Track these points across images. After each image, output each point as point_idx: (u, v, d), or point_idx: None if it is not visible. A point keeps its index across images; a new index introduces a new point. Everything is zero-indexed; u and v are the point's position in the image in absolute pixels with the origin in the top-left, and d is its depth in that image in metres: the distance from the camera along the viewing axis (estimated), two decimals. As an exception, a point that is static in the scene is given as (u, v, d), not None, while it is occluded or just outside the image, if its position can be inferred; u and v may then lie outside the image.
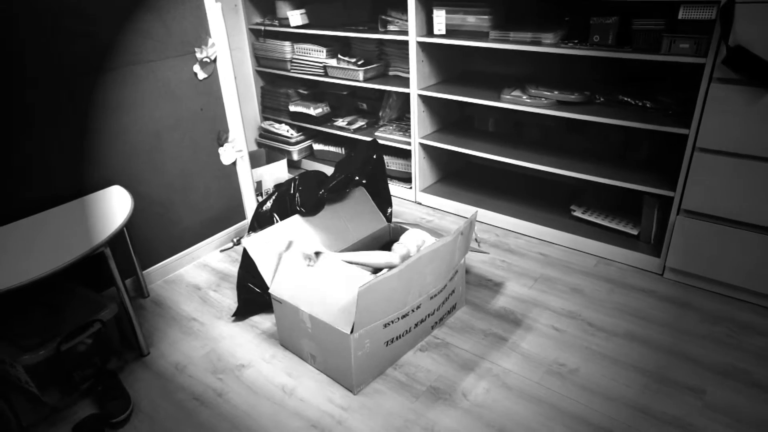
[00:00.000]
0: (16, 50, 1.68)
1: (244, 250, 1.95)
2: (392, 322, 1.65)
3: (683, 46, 1.84)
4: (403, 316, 1.69)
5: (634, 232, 2.31)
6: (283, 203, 2.04)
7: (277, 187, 2.07)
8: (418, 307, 1.74)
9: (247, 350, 1.87)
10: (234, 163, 2.50)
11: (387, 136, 2.93)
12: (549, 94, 2.31)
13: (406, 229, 2.09)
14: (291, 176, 2.22)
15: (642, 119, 2.04)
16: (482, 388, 1.65)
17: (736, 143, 1.79)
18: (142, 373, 1.78)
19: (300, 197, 2.03)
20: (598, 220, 2.41)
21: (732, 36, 1.67)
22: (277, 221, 2.01)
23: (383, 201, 2.28)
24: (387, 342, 1.68)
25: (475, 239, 1.93)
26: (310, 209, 2.02)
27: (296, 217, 2.00)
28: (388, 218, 2.28)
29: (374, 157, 2.22)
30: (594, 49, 2.06)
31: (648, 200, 2.20)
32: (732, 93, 1.74)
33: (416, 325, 1.78)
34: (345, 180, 2.09)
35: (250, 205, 2.61)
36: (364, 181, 2.17)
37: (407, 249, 1.92)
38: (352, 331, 1.53)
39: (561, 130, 2.60)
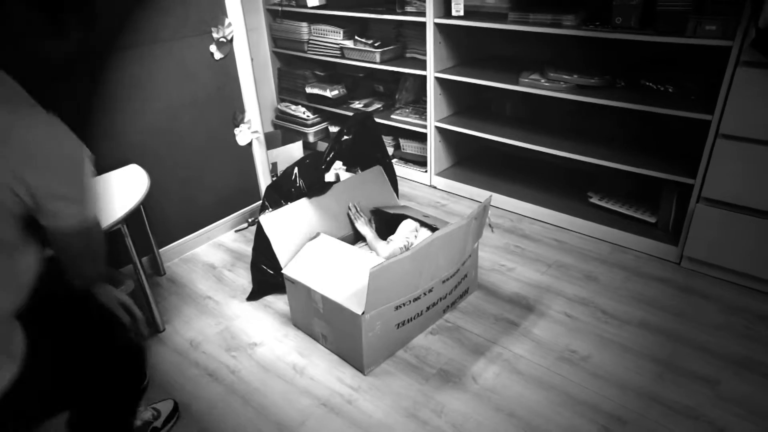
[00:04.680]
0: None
1: (257, 231, 1.97)
2: (404, 304, 1.66)
3: (710, 28, 1.78)
4: (415, 299, 1.69)
5: (652, 220, 2.27)
6: (288, 191, 2.03)
7: (284, 173, 2.07)
8: (430, 291, 1.74)
9: (259, 329, 1.89)
10: (250, 144, 2.51)
11: (403, 119, 2.91)
12: (568, 77, 2.26)
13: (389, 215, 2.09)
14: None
15: (663, 104, 1.99)
16: (492, 373, 1.65)
17: (761, 130, 1.74)
18: (157, 349, 1.82)
19: (304, 182, 2.03)
20: (615, 207, 2.37)
21: (762, 17, 1.61)
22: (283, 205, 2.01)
23: (384, 167, 2.26)
24: (398, 324, 1.69)
25: (489, 224, 1.91)
26: (315, 191, 2.02)
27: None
28: (393, 185, 2.27)
29: (362, 117, 2.21)
30: (616, 31, 2.01)
31: (667, 188, 2.16)
32: (759, 77, 1.68)
33: (428, 308, 1.78)
34: (333, 143, 2.09)
35: (265, 187, 2.62)
36: (350, 136, 2.16)
37: (392, 249, 1.90)
38: (363, 313, 1.54)
39: (579, 115, 2.55)
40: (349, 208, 2.07)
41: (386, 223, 2.10)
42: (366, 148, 2.23)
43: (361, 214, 2.07)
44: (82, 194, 0.86)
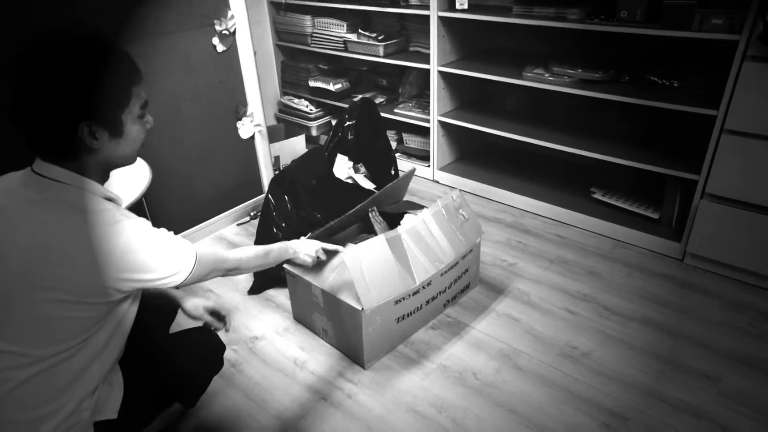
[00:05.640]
0: (38, 21, 1.69)
1: (259, 225, 1.97)
2: (403, 298, 1.65)
3: (716, 22, 1.76)
4: (414, 293, 1.69)
5: (655, 216, 2.25)
6: (292, 185, 2.02)
7: (287, 169, 2.06)
8: (429, 284, 1.73)
9: (261, 323, 1.89)
10: (252, 138, 2.50)
11: (406, 113, 2.89)
12: (572, 72, 2.24)
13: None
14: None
15: (668, 99, 1.97)
16: (493, 368, 1.65)
17: (767, 125, 1.72)
18: (158, 342, 1.82)
19: (311, 174, 2.02)
20: (618, 203, 2.36)
21: (769, 11, 1.59)
22: (287, 203, 2.00)
23: (385, 158, 2.25)
24: (398, 319, 1.69)
25: (463, 215, 1.85)
26: (330, 181, 2.01)
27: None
28: (394, 177, 2.25)
29: (359, 103, 2.21)
30: (621, 25, 1.99)
31: (670, 183, 2.14)
32: (766, 72, 1.66)
33: (427, 302, 1.77)
34: (336, 129, 2.08)
35: (267, 180, 2.62)
36: (353, 122, 2.16)
37: None
38: (362, 309, 1.54)
39: (583, 110, 2.53)
40: (370, 213, 2.03)
41: (389, 223, 2.08)
42: (369, 140, 2.22)
43: (381, 220, 2.03)
44: (171, 272, 1.04)
